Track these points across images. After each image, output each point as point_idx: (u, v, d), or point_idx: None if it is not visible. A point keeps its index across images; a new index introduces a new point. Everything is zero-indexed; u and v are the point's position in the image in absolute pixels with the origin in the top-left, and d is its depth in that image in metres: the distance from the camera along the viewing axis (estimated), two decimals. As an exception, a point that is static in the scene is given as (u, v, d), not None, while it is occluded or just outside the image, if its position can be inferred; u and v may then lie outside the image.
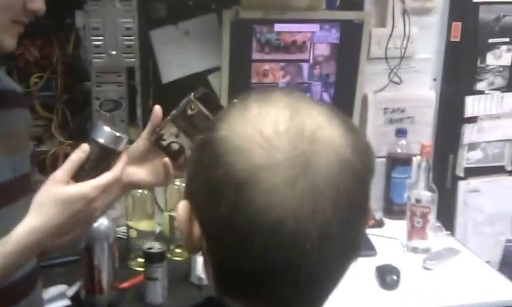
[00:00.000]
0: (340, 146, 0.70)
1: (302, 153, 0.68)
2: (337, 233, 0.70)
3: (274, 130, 0.69)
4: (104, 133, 1.14)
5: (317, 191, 0.68)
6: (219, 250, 0.74)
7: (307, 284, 0.73)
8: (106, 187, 1.12)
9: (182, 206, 0.76)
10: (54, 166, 1.87)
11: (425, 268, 1.90)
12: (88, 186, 1.10)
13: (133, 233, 1.90)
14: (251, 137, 0.69)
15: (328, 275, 0.74)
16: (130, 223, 1.91)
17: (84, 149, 1.12)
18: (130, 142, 1.24)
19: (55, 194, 1.08)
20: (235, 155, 0.69)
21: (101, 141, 1.13)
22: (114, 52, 1.89)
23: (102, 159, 1.14)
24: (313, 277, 0.72)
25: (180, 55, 2.03)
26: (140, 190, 1.90)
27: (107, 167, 1.13)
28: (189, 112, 1.17)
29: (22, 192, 1.24)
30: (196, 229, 0.75)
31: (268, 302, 0.74)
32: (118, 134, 1.15)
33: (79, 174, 1.11)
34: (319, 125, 0.71)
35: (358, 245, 0.75)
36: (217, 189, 0.70)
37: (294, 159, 0.68)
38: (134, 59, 1.91)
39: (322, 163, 0.69)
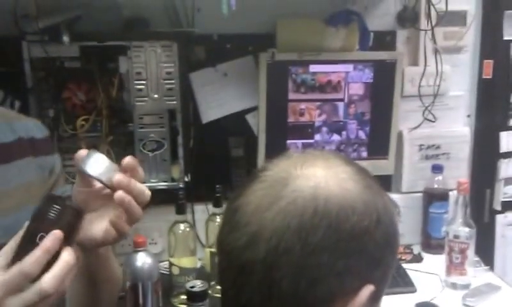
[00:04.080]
0: (325, 188, 0.73)
1: (285, 176, 0.75)
2: (291, 243, 0.70)
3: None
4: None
5: (276, 195, 0.73)
6: None
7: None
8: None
9: None
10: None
11: (465, 305, 1.80)
12: None
13: (175, 270, 1.85)
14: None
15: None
16: (172, 260, 1.86)
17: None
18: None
19: None
20: None
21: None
22: (156, 95, 1.88)
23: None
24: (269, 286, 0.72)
25: (218, 96, 2.01)
26: (182, 227, 1.84)
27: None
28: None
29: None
30: None
31: None
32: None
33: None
34: (315, 166, 0.76)
35: (323, 277, 0.71)
36: None
37: (276, 176, 0.76)
38: (175, 102, 1.89)
39: (297, 185, 0.73)
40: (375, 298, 0.74)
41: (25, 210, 1.07)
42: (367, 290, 0.72)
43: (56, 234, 0.83)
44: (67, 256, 0.84)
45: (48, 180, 1.22)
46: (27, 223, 0.85)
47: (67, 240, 0.85)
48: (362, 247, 0.72)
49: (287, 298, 0.71)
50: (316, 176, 0.73)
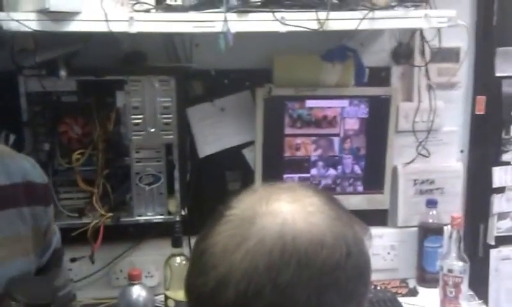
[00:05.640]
0: (292, 224, 0.69)
1: (251, 214, 0.70)
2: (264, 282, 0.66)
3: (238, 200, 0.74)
4: None
5: (243, 235, 0.68)
6: None
7: None
8: None
9: None
10: (95, 238, 1.82)
11: (460, 338, 1.78)
12: None
13: (171, 303, 1.80)
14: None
15: None
16: (168, 293, 1.81)
17: None
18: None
19: None
20: None
21: None
22: (152, 130, 1.84)
23: None
24: None
25: (215, 131, 1.97)
26: (178, 260, 1.81)
27: None
28: None
29: None
30: None
31: None
32: None
33: None
34: (281, 201, 0.72)
35: None
36: None
37: (242, 215, 0.71)
38: (172, 136, 1.85)
39: (264, 223, 0.69)
40: None
41: (12, 265, 1.06)
42: None
43: None
44: None
45: (44, 236, 1.16)
46: None
47: None
48: (334, 281, 0.68)
49: None
50: (282, 212, 0.70)
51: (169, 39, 1.87)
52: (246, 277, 0.66)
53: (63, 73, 1.68)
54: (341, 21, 1.67)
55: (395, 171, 2.10)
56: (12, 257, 1.06)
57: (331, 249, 0.68)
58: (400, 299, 1.96)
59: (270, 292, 0.65)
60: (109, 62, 1.83)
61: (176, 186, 1.88)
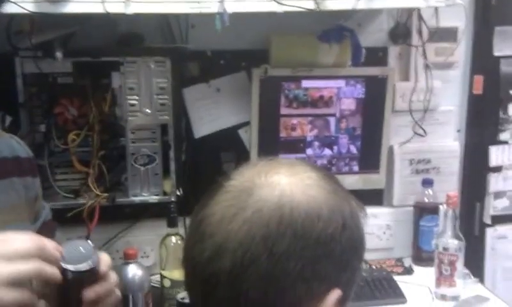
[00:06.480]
0: (290, 196, 0.72)
1: (249, 185, 0.73)
2: (259, 253, 0.69)
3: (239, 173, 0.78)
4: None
5: (240, 205, 0.71)
6: None
7: None
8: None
9: None
10: (91, 219, 1.85)
11: (455, 316, 1.82)
12: None
13: (166, 283, 1.84)
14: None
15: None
16: (163, 272, 1.86)
17: None
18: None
19: None
20: None
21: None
22: (148, 110, 1.86)
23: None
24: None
25: (211, 111, 2.01)
26: (174, 240, 1.85)
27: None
28: None
29: None
30: None
31: None
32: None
33: None
34: (279, 174, 0.74)
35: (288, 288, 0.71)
36: None
37: (240, 186, 0.74)
38: (167, 117, 1.88)
39: (262, 194, 0.72)
40: (342, 302, 0.74)
41: (9, 229, 1.10)
42: (335, 294, 0.72)
43: None
44: None
45: (34, 206, 1.20)
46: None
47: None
48: (329, 253, 0.71)
49: (254, 306, 0.71)
50: (280, 184, 0.73)
51: (165, 20, 1.89)
52: (243, 246, 0.69)
53: (59, 54, 1.71)
54: (338, 1, 1.69)
55: (391, 150, 2.14)
56: (9, 223, 1.09)
57: (327, 221, 0.71)
58: (396, 278, 2.01)
59: (266, 261, 0.69)
60: (105, 43, 1.86)
61: (172, 166, 1.91)
